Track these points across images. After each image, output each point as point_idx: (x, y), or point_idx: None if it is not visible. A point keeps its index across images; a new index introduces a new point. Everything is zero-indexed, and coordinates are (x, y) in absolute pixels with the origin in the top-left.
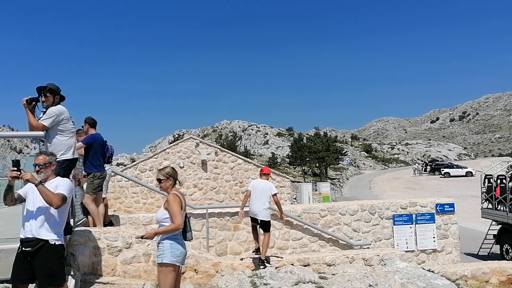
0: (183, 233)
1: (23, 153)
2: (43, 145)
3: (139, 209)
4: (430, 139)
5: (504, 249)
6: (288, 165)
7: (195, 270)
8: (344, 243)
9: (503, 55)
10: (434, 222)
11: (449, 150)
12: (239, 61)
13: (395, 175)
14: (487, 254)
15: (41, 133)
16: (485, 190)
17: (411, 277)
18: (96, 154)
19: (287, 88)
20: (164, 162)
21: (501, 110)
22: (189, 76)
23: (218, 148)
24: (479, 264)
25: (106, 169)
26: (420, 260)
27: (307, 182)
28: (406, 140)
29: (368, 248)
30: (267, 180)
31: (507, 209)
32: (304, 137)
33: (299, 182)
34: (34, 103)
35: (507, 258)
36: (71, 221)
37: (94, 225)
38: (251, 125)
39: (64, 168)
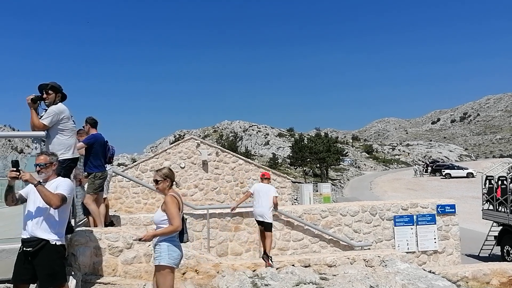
0: (179, 235)
1: (24, 153)
2: (44, 145)
3: (140, 209)
4: (431, 140)
5: (505, 251)
6: (289, 165)
7: (196, 271)
8: (345, 244)
9: (504, 56)
10: (435, 223)
11: (450, 151)
12: (240, 61)
13: (396, 176)
14: (488, 255)
15: (42, 133)
16: (486, 192)
17: (412, 278)
18: (97, 154)
19: (287, 89)
20: (165, 162)
21: (502, 111)
22: (189, 76)
23: (219, 148)
24: (480, 266)
25: (107, 169)
26: (421, 261)
27: (308, 182)
28: (407, 141)
29: (369, 249)
30: (268, 184)
31: (508, 211)
32: (305, 138)
33: (300, 182)
34: (38, 102)
35: (508, 259)
36: (72, 221)
37: (95, 225)
38: (252, 125)
39: (65, 168)
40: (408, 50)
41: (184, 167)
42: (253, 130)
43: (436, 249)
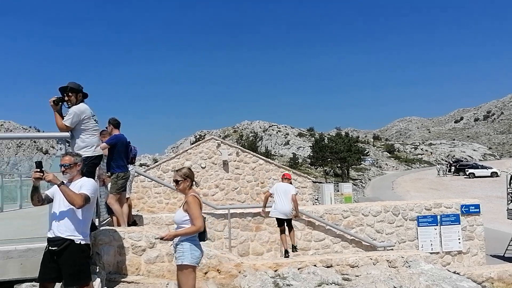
0: (200, 234)
1: (49, 154)
2: (68, 145)
3: (162, 209)
4: (454, 139)
5: None
6: (309, 165)
7: (217, 270)
8: (367, 244)
9: None
10: (459, 224)
11: (474, 150)
12: (260, 62)
13: (418, 176)
14: None
15: (66, 133)
16: (511, 191)
17: (436, 279)
18: (120, 154)
19: (308, 88)
20: (186, 162)
21: None
22: (210, 77)
23: (239, 148)
24: (506, 266)
25: (129, 169)
26: (445, 262)
27: (329, 182)
28: (429, 140)
29: (392, 249)
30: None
31: None
32: (326, 138)
33: (321, 182)
34: (60, 103)
35: None
36: (96, 220)
37: (118, 225)
38: (272, 125)
39: (88, 165)
40: (431, 50)
41: (205, 167)
42: (273, 130)
43: (461, 250)
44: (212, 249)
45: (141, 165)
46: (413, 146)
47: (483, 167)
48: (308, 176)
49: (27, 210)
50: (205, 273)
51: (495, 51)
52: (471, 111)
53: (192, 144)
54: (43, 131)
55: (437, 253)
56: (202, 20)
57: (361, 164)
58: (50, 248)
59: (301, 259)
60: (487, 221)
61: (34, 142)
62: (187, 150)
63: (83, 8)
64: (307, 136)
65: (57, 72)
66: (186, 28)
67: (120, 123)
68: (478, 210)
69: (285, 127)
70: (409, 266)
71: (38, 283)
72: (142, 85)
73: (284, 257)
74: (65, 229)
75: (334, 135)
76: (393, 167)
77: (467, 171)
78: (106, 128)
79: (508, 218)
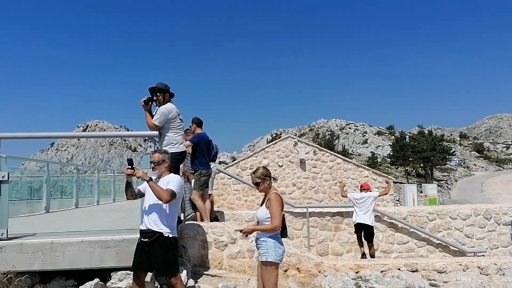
0: (281, 230)
1: (137, 151)
2: (157, 143)
3: (241, 206)
4: None
5: None
6: (389, 165)
7: (297, 269)
8: (456, 249)
9: None
10: None
11: None
12: (336, 59)
13: (511, 178)
14: None
15: (156, 132)
16: None
17: None
18: (202, 152)
19: (386, 85)
20: (263, 161)
21: None
22: (285, 75)
23: (316, 147)
24: None
25: (211, 167)
26: None
27: (411, 183)
28: None
29: (483, 255)
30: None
31: None
32: (407, 136)
33: (402, 183)
34: (150, 103)
35: None
36: (181, 215)
37: (201, 220)
38: (349, 123)
39: (172, 161)
40: None
41: (282, 165)
42: (350, 128)
43: None
44: (291, 247)
45: (220, 162)
46: (505, 145)
47: None
48: (388, 176)
49: (120, 204)
50: (285, 270)
51: None
52: None
53: (269, 142)
54: (132, 130)
55: None
56: (285, 27)
57: (446, 164)
58: (142, 239)
59: (384, 262)
60: None
61: (124, 140)
62: (264, 148)
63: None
64: (387, 134)
65: (138, 74)
66: (265, 35)
67: (203, 122)
68: None
69: (363, 125)
70: (503, 274)
71: (132, 272)
72: (224, 90)
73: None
74: (154, 223)
75: (416, 133)
76: (482, 167)
77: None
78: (190, 127)
79: None
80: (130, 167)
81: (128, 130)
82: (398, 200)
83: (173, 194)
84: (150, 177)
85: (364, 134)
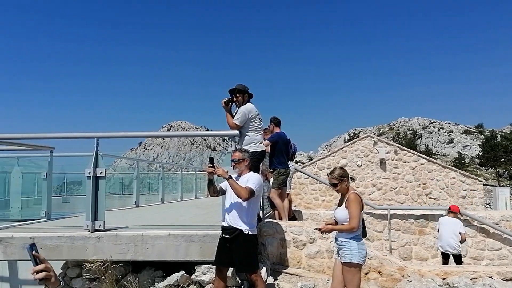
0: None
1: (216, 150)
2: (237, 142)
3: (318, 206)
4: None
5: None
6: (478, 166)
7: (379, 272)
8: None
9: None
10: None
11: None
12: (420, 54)
13: None
14: None
15: (236, 131)
16: None
17: None
18: (281, 151)
19: (474, 81)
20: (341, 160)
21: None
22: (364, 72)
23: (397, 146)
24: None
25: (289, 166)
26: None
27: (503, 186)
28: None
29: None
30: (455, 218)
31: None
32: (498, 135)
33: (493, 185)
34: (230, 104)
35: None
36: (260, 213)
37: (280, 219)
38: (433, 122)
39: (253, 160)
40: None
41: (360, 165)
42: (434, 127)
43: None
44: (372, 250)
45: (296, 162)
46: None
47: None
48: (478, 178)
49: (201, 200)
50: (366, 273)
51: None
52: None
53: (346, 142)
54: (211, 130)
55: None
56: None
57: None
58: (223, 235)
59: (474, 269)
60: None
61: (204, 140)
62: (342, 148)
63: None
64: (475, 133)
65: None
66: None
67: (281, 121)
68: None
69: (448, 123)
70: None
71: (215, 266)
72: (299, 84)
73: None
74: (234, 220)
75: (508, 132)
76: None
77: None
78: (268, 126)
79: None
80: (211, 165)
81: (207, 130)
82: (488, 204)
83: (251, 192)
84: (230, 175)
85: (450, 133)
